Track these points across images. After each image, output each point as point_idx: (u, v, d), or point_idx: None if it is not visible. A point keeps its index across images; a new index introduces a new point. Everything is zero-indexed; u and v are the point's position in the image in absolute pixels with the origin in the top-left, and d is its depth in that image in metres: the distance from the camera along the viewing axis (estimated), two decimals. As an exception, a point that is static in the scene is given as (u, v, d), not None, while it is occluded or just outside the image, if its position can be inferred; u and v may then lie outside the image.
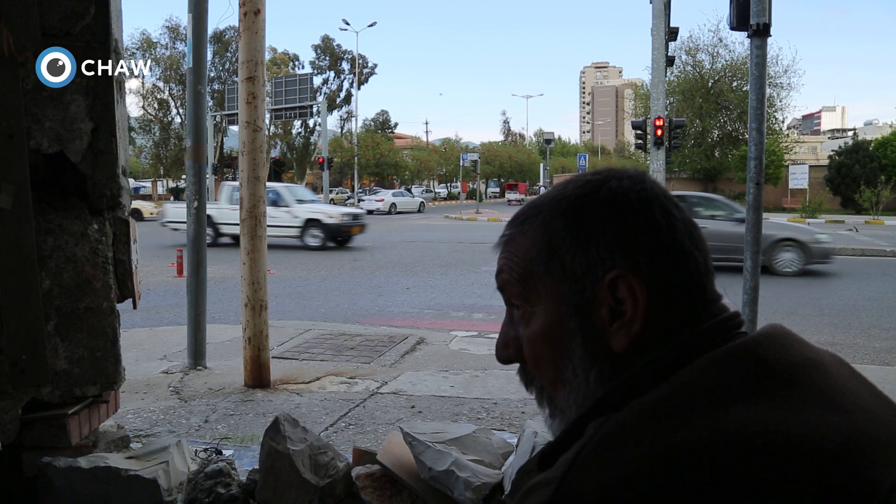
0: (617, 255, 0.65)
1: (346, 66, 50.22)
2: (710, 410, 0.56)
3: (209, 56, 45.46)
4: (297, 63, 50.02)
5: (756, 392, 0.58)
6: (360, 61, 49.61)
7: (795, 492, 0.52)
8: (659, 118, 14.87)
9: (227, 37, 43.75)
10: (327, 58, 50.31)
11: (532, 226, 0.70)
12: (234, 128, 38.12)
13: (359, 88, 49.67)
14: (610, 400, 0.63)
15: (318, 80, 49.69)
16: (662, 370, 0.62)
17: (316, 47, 50.16)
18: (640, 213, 0.67)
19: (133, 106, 45.53)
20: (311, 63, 50.30)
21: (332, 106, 50.64)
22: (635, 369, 0.64)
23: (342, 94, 51.50)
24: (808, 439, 0.54)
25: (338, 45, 50.14)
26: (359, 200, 36.08)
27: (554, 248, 0.68)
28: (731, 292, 0.74)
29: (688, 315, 0.66)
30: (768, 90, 18.23)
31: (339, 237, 16.31)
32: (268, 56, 47.74)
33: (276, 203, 15.31)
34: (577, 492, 0.55)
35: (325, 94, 48.71)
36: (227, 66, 44.41)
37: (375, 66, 52.74)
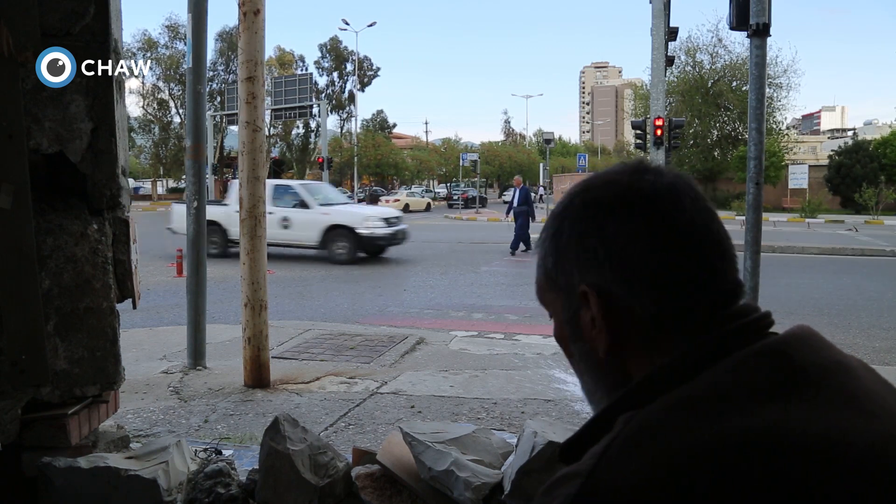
0: (585, 267, 0.68)
1: (350, 66, 50.41)
2: (738, 409, 0.56)
3: (215, 55, 45.77)
4: (303, 64, 50.26)
5: (785, 392, 0.58)
6: (366, 64, 49.74)
7: (822, 493, 0.52)
8: (658, 118, 14.87)
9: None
10: (329, 59, 50.41)
11: (542, 239, 0.75)
12: (234, 128, 38.19)
13: (363, 90, 49.88)
14: (639, 394, 0.63)
15: (323, 81, 50.05)
16: (691, 367, 0.62)
17: (321, 46, 50.43)
18: (626, 219, 0.66)
19: (133, 106, 45.59)
20: (316, 63, 50.52)
21: (336, 107, 50.82)
22: (663, 364, 0.64)
23: (345, 95, 51.65)
24: (835, 441, 0.55)
25: (345, 48, 50.37)
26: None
27: (546, 265, 0.73)
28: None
29: (715, 313, 0.65)
30: (768, 90, 18.24)
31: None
32: (274, 56, 47.95)
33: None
34: (605, 485, 0.56)
35: (327, 95, 48.81)
36: (233, 68, 44.51)
37: (379, 69, 53.12)
